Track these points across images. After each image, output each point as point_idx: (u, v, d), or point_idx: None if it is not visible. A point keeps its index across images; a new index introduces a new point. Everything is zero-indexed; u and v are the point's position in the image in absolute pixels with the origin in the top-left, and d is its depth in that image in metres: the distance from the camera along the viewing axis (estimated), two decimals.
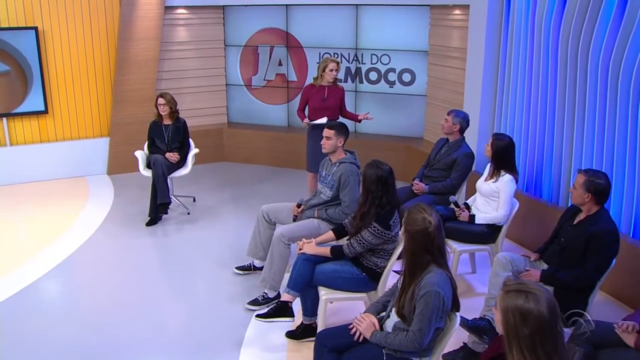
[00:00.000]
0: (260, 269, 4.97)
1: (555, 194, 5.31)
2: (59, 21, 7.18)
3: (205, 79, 8.23)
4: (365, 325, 2.98)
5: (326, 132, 4.51)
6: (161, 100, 6.08)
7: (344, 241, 4.13)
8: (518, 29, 5.56)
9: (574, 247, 3.61)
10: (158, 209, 5.98)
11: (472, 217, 4.56)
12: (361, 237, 3.69)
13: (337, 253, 3.80)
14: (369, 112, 6.24)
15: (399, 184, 4.33)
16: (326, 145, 4.51)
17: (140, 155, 6.30)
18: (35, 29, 7.03)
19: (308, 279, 3.81)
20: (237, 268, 5.03)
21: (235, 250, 5.44)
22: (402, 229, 2.94)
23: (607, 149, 4.70)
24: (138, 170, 7.56)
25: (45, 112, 7.31)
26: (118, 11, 7.40)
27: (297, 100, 8.11)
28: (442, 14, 6.96)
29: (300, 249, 3.93)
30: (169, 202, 5.99)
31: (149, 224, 6.01)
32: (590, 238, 3.52)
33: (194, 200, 6.73)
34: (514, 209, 4.56)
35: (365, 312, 3.13)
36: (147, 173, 6.15)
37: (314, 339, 3.90)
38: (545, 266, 3.83)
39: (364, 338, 3.00)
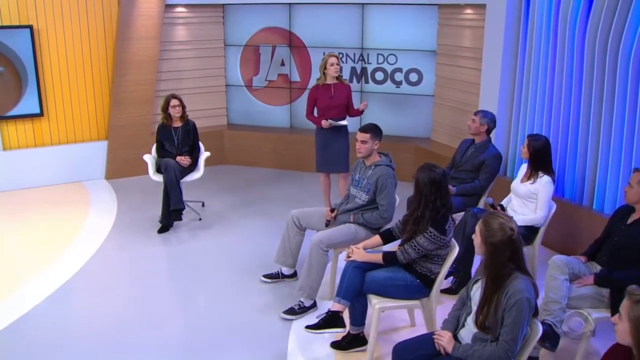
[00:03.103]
0: (289, 276, 4.82)
1: (578, 193, 5.28)
2: (54, 19, 6.85)
3: (205, 79, 7.99)
4: (447, 340, 2.87)
5: (361, 135, 4.36)
6: (175, 102, 5.84)
7: (391, 246, 4.00)
8: (539, 28, 5.51)
9: (630, 247, 3.56)
10: (171, 216, 5.73)
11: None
12: (416, 242, 3.56)
13: (389, 259, 3.67)
14: (365, 101, 6.21)
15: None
16: (362, 149, 4.37)
17: (149, 159, 6.03)
18: (30, 27, 6.68)
19: (359, 288, 3.66)
20: (265, 276, 4.84)
21: (257, 257, 5.25)
22: (480, 240, 2.81)
23: (637, 148, 4.69)
24: (138, 174, 7.39)
25: (41, 114, 6.97)
26: (116, 9, 7.10)
27: (300, 101, 7.98)
28: (451, 13, 6.90)
29: (348, 257, 3.78)
30: (183, 208, 5.75)
31: (160, 231, 5.76)
32: None
33: (203, 205, 6.50)
34: (552, 211, 4.51)
35: (442, 328, 3.01)
36: (157, 178, 5.90)
37: (363, 348, 3.85)
38: (597, 267, 3.78)
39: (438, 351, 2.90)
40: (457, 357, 2.81)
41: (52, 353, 3.86)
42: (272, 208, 6.47)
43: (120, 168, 7.38)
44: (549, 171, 4.49)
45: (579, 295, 3.61)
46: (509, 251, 2.72)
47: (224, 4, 7.86)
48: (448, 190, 3.67)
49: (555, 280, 3.60)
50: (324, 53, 7.64)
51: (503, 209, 4.64)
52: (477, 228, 2.82)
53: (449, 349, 2.84)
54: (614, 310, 3.52)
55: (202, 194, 6.76)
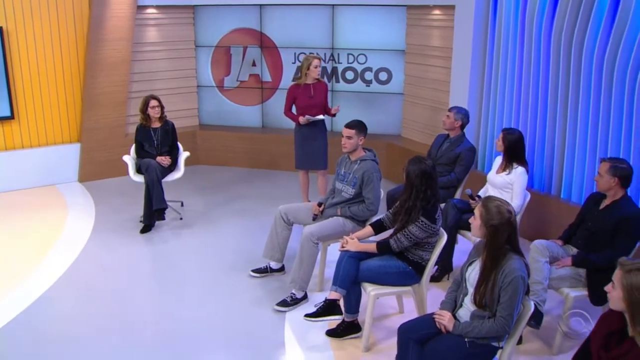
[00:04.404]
0: (277, 270, 4.95)
1: (547, 183, 5.61)
2: (24, 20, 6.75)
3: (176, 80, 8.01)
4: (447, 319, 3.06)
5: (346, 131, 4.54)
6: (154, 102, 5.88)
7: (382, 236, 4.17)
8: (506, 28, 5.81)
9: (603, 230, 3.85)
10: (153, 215, 5.76)
11: None
12: (409, 231, 3.76)
13: (383, 248, 3.85)
14: (338, 105, 6.33)
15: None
16: (347, 144, 4.54)
17: (129, 160, 6.04)
18: (0, 28, 6.57)
19: (354, 276, 3.83)
20: (253, 271, 4.95)
21: (242, 253, 5.35)
22: (480, 222, 3.00)
23: (601, 140, 5.03)
24: (112, 176, 7.42)
25: (11, 117, 6.85)
26: (87, 10, 7.05)
27: (272, 101, 8.11)
28: (420, 14, 7.15)
29: (342, 247, 3.94)
30: (166, 207, 5.78)
31: (143, 231, 5.79)
32: (621, 221, 3.76)
33: (182, 205, 6.54)
34: (527, 199, 4.79)
35: (440, 309, 3.20)
36: (138, 178, 5.92)
37: (357, 335, 4.01)
38: (573, 250, 4.06)
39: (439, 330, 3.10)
40: (458, 334, 3.01)
41: (42, 357, 3.84)
42: (250, 206, 6.58)
43: (93, 170, 7.34)
44: (522, 162, 4.77)
45: (559, 276, 3.88)
46: (507, 233, 2.94)
47: (194, 5, 7.90)
48: (437, 181, 3.88)
49: (537, 262, 3.86)
50: (295, 53, 7.87)
51: (480, 199, 4.88)
52: (477, 212, 3.02)
53: (450, 327, 3.04)
54: (591, 288, 3.81)
55: (179, 194, 6.78)
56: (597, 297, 3.80)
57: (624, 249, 3.77)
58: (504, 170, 4.79)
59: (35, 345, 3.95)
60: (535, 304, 3.72)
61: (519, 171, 4.70)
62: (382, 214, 4.37)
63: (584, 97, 5.10)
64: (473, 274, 3.12)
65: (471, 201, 4.81)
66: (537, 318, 3.73)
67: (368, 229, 4.14)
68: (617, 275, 2.33)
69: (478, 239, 3.30)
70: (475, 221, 3.02)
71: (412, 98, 7.49)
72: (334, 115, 6.14)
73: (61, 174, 7.23)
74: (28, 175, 7.02)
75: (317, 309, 3.84)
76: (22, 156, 6.98)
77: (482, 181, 5.20)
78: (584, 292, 3.84)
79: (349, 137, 4.53)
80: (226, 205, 6.63)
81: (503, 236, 2.93)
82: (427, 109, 7.26)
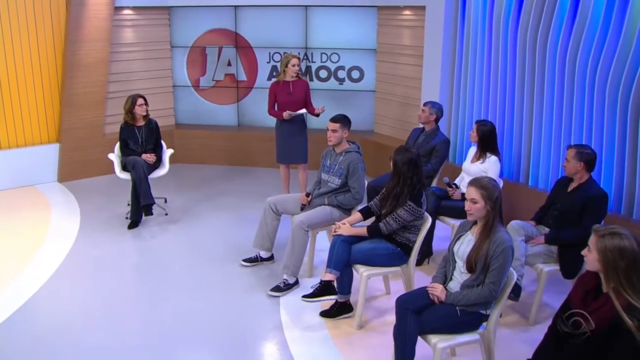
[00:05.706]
0: (267, 259, 5.16)
1: (516, 172, 6.00)
2: (1, 21, 6.75)
3: (152, 80, 8.10)
4: (440, 290, 3.36)
5: (332, 125, 4.81)
6: (142, 101, 6.03)
7: (370, 221, 4.44)
8: (475, 27, 6.18)
9: (571, 211, 4.22)
10: (141, 211, 5.90)
11: (464, 195, 5.06)
12: (397, 215, 4.04)
13: (374, 231, 4.12)
14: (323, 106, 6.42)
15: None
16: (332, 138, 4.81)
17: (115, 158, 6.16)
18: None
19: (347, 259, 4.10)
20: (244, 260, 5.15)
21: (230, 245, 5.54)
22: (483, 202, 3.25)
23: (564, 131, 5.43)
24: (92, 175, 7.53)
25: None
26: (64, 12, 7.11)
27: (248, 100, 8.32)
28: (390, 14, 7.48)
29: (335, 232, 4.20)
30: (153, 203, 5.93)
31: (130, 227, 5.92)
32: (588, 201, 4.14)
33: (166, 202, 6.67)
34: (500, 186, 5.12)
35: (432, 282, 3.49)
36: (124, 176, 6.04)
37: (349, 315, 4.27)
38: (545, 230, 4.42)
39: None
40: (450, 303, 3.31)
41: (41, 352, 3.91)
42: (232, 201, 6.77)
43: (73, 170, 7.39)
44: (495, 152, 5.12)
45: (534, 253, 4.24)
46: (500, 203, 3.30)
47: (170, 7, 8.03)
48: (422, 168, 4.18)
49: (514, 241, 4.16)
50: (269, 53, 8.10)
51: (457, 187, 5.23)
52: (477, 195, 3.26)
53: (442, 298, 3.34)
54: (563, 263, 4.18)
55: (162, 191, 6.88)
56: (568, 271, 4.17)
57: (591, 226, 4.13)
58: (478, 159, 5.14)
59: (33, 341, 4.00)
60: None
61: (492, 160, 5.05)
62: (365, 202, 4.65)
63: (549, 91, 5.50)
64: (462, 246, 3.41)
65: (449, 189, 5.14)
66: (516, 291, 4.06)
67: (357, 215, 4.41)
68: (592, 240, 2.67)
69: (460, 221, 3.61)
70: (477, 204, 3.26)
71: (384, 95, 7.81)
72: (317, 115, 6.23)
73: (40, 174, 7.27)
74: (7, 176, 7.02)
75: (314, 290, 4.08)
76: (1, 157, 6.97)
77: (455, 171, 5.55)
78: (555, 267, 4.21)
79: (334, 131, 4.80)
80: (208, 201, 6.80)
81: (499, 207, 3.27)
82: (398, 105, 7.59)
